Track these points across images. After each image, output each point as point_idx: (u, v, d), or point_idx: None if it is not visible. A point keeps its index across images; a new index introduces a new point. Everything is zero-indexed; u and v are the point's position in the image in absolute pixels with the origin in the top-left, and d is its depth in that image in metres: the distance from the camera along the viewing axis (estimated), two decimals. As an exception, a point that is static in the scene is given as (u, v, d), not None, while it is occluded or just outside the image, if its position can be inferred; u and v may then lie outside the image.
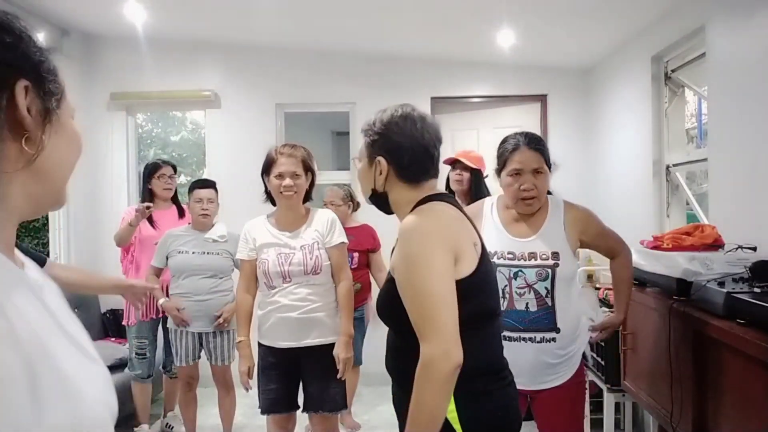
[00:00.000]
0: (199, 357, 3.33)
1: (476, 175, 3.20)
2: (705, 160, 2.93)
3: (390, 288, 1.41)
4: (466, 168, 3.18)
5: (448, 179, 3.29)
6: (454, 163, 3.21)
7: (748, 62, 2.50)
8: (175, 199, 3.76)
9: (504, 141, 2.13)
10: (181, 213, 3.69)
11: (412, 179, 1.48)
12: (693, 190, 3.61)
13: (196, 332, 3.25)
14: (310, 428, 2.97)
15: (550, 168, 2.10)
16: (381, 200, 1.52)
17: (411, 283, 1.33)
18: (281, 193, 2.41)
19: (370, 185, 1.51)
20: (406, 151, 1.46)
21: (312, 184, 2.52)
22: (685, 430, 2.04)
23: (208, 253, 3.24)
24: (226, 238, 3.30)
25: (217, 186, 3.43)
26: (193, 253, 3.24)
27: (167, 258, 3.24)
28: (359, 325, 3.63)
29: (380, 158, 1.47)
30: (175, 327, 3.24)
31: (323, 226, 2.48)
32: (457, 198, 3.19)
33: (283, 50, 4.64)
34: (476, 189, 3.18)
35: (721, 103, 2.74)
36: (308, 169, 2.48)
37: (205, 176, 4.73)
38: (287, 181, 2.39)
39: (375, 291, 3.55)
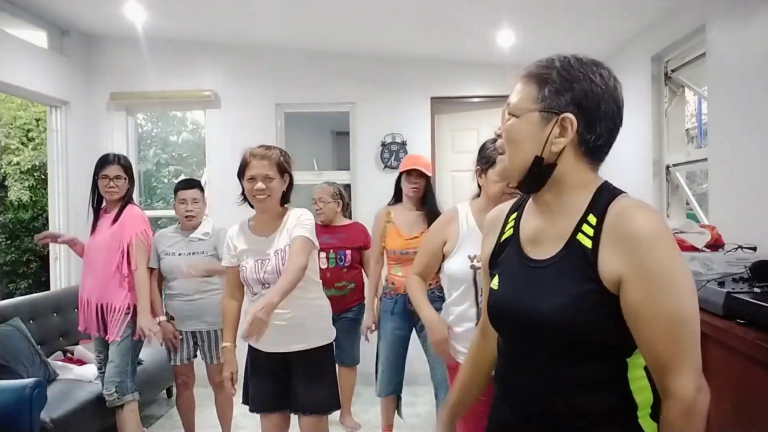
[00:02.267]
0: (195, 356, 3.33)
1: (428, 181, 3.30)
2: (705, 160, 2.93)
3: (597, 302, 1.04)
4: (422, 175, 3.25)
5: (397, 186, 3.35)
6: (410, 170, 3.25)
7: (748, 62, 2.50)
8: (123, 203, 3.11)
9: (494, 141, 2.12)
10: (117, 218, 3.05)
11: (598, 155, 1.14)
12: (693, 190, 3.61)
13: (189, 331, 3.25)
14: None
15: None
16: (541, 175, 1.10)
17: (664, 307, 0.99)
18: (254, 196, 2.38)
19: (535, 150, 1.09)
20: (605, 114, 1.09)
21: (290, 186, 2.47)
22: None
23: (193, 253, 3.23)
24: (210, 234, 3.28)
25: (215, 187, 3.42)
26: (179, 254, 3.22)
27: (159, 259, 3.24)
28: (354, 325, 3.63)
29: (569, 115, 1.07)
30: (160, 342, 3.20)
31: (292, 224, 2.41)
32: (411, 204, 3.29)
33: (283, 50, 4.64)
34: (429, 195, 3.29)
35: (721, 103, 2.74)
36: (284, 171, 2.42)
37: (205, 176, 4.74)
38: (258, 185, 2.35)
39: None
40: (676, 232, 2.42)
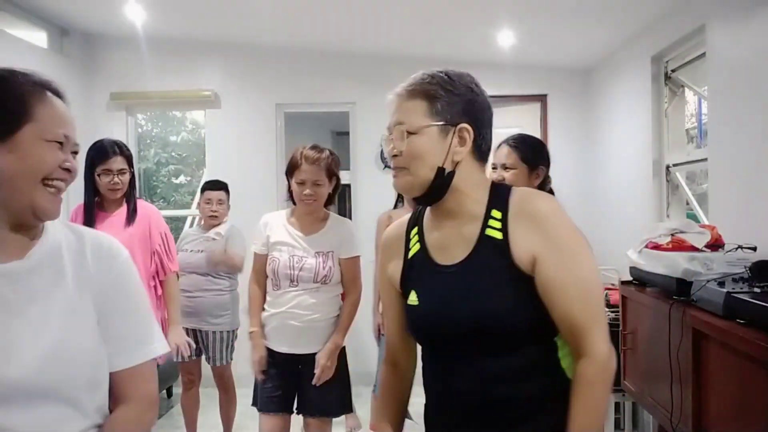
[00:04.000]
0: (200, 353, 3.33)
1: None
2: (705, 160, 2.93)
3: (519, 288, 1.11)
4: None
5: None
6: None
7: (748, 62, 2.50)
8: (129, 197, 2.68)
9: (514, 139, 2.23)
10: (131, 218, 2.63)
11: (486, 157, 1.22)
12: (693, 190, 3.61)
13: (189, 329, 3.22)
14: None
15: (533, 167, 2.14)
16: (443, 185, 1.16)
17: (574, 273, 1.09)
18: (300, 200, 2.38)
19: (437, 161, 1.14)
20: (488, 121, 1.20)
21: (336, 189, 2.47)
22: (685, 430, 2.04)
23: (201, 251, 3.27)
24: (222, 235, 3.31)
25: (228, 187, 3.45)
26: (191, 251, 3.28)
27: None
28: None
29: (465, 125, 1.15)
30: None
31: (340, 236, 2.42)
32: (410, 205, 3.26)
33: (283, 50, 4.64)
34: None
35: (721, 103, 2.74)
36: (332, 174, 2.41)
37: (204, 176, 4.74)
38: (307, 190, 2.34)
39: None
40: (676, 232, 2.42)
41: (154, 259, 2.66)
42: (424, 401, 1.33)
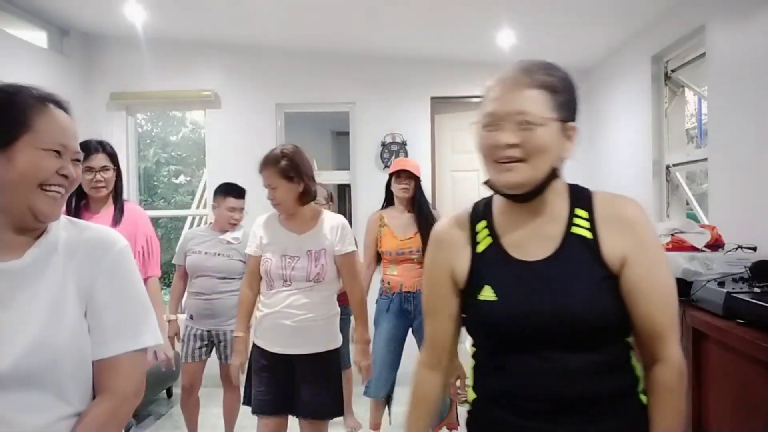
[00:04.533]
0: (209, 356, 3.34)
1: (418, 182, 3.32)
2: (705, 160, 2.93)
3: (608, 287, 1.12)
4: (411, 176, 3.26)
5: (388, 188, 3.36)
6: (398, 172, 3.27)
7: (748, 62, 2.50)
8: (116, 198, 2.62)
9: None
10: (118, 219, 2.55)
11: None
12: (693, 190, 3.61)
13: (205, 330, 3.27)
14: None
15: None
16: (548, 183, 1.14)
17: (660, 279, 1.12)
18: (272, 205, 2.42)
19: (555, 157, 1.13)
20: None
21: (306, 190, 2.39)
22: (684, 430, 2.04)
23: (219, 254, 3.28)
24: (239, 240, 3.33)
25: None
26: (206, 253, 3.29)
27: (186, 256, 3.33)
28: (345, 325, 3.62)
29: (574, 124, 1.14)
30: (186, 324, 3.31)
31: (333, 233, 2.41)
32: (402, 206, 3.32)
33: (283, 50, 4.64)
34: (419, 196, 3.31)
35: (721, 103, 2.74)
36: (289, 177, 2.35)
37: (204, 176, 4.74)
38: (270, 193, 2.38)
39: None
40: (676, 232, 2.42)
41: (136, 261, 2.62)
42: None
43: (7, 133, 1.04)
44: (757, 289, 1.83)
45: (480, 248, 1.20)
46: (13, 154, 1.03)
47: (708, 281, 1.96)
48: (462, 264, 1.21)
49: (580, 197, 1.18)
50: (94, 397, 1.11)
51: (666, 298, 1.12)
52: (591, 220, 1.15)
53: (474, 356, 1.25)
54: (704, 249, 2.32)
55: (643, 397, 1.17)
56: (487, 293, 1.16)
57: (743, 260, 2.07)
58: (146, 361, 1.20)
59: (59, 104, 1.13)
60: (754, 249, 2.19)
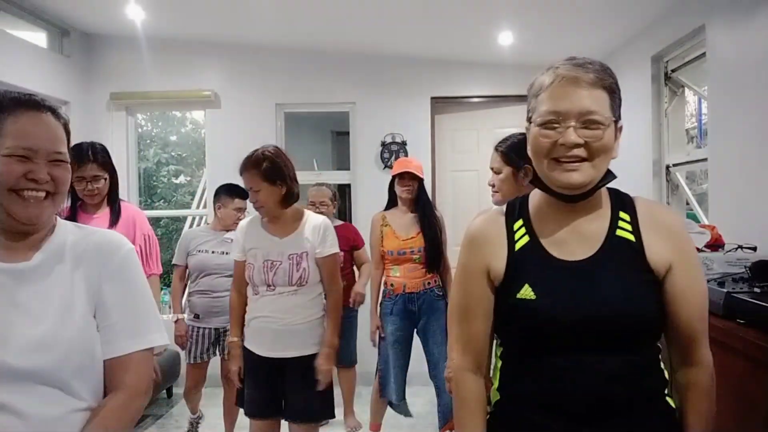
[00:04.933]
0: (214, 354, 3.35)
1: (421, 183, 3.32)
2: (705, 160, 2.93)
3: (650, 290, 1.13)
4: (414, 177, 3.27)
5: (391, 188, 3.36)
6: (402, 173, 3.28)
7: (748, 62, 2.50)
8: (112, 200, 2.63)
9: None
10: (115, 220, 2.58)
11: None
12: (693, 190, 3.61)
13: (212, 328, 3.29)
14: None
15: (518, 167, 2.03)
16: (603, 180, 1.15)
17: (700, 286, 1.17)
18: (254, 207, 2.41)
19: (612, 157, 1.13)
20: None
21: (289, 191, 2.37)
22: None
23: (225, 253, 3.31)
24: None
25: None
26: (212, 252, 3.33)
27: (187, 256, 3.34)
28: (348, 325, 3.63)
29: (621, 123, 1.15)
30: (191, 324, 3.32)
31: (314, 235, 2.39)
32: (405, 206, 3.32)
33: (283, 50, 4.64)
34: (422, 197, 3.31)
35: (721, 103, 2.74)
36: (270, 180, 2.32)
37: (204, 176, 4.75)
38: (252, 196, 2.38)
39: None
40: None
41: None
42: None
43: None
44: (757, 289, 1.83)
45: (518, 246, 1.18)
46: None
47: (708, 281, 1.96)
48: (499, 262, 1.18)
49: (623, 200, 1.19)
50: (105, 395, 1.15)
51: (704, 305, 1.17)
52: (634, 223, 1.15)
53: (502, 357, 1.23)
54: (704, 249, 2.32)
55: (670, 400, 1.17)
56: (526, 292, 1.14)
57: (743, 260, 2.07)
58: (152, 359, 1.23)
59: (38, 107, 1.12)
60: (754, 249, 2.19)
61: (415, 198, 3.30)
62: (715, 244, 2.35)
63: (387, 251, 3.29)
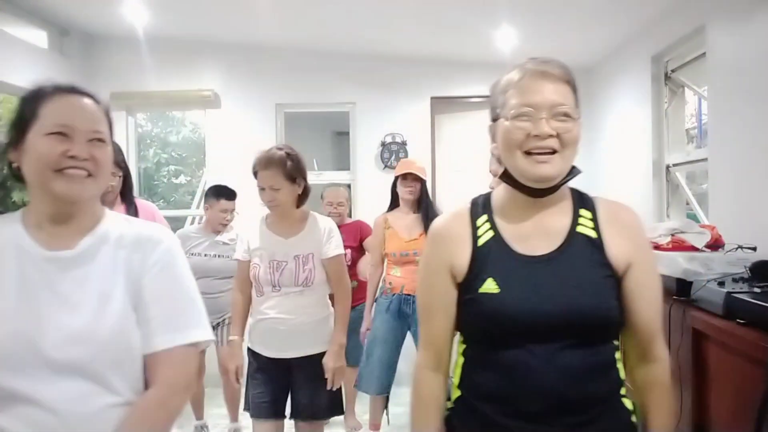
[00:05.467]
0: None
1: (424, 184, 3.32)
2: (705, 160, 2.93)
3: (610, 286, 1.15)
4: (417, 179, 3.26)
5: (394, 189, 3.36)
6: (405, 174, 3.27)
7: (748, 62, 2.50)
8: (126, 198, 2.66)
9: None
10: (133, 215, 2.48)
11: None
12: (693, 190, 3.61)
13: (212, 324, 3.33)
14: None
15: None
16: (569, 175, 1.18)
17: (656, 284, 1.20)
18: (264, 206, 2.39)
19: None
20: None
21: (305, 191, 2.40)
22: (685, 430, 2.04)
23: (219, 255, 3.37)
24: (235, 240, 3.38)
25: (207, 186, 3.55)
26: (206, 255, 3.38)
27: None
28: (357, 325, 3.63)
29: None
30: None
31: (320, 236, 2.39)
32: (407, 207, 3.31)
33: (283, 50, 4.63)
34: (425, 198, 3.31)
35: (721, 103, 2.74)
36: (292, 178, 2.33)
37: (204, 176, 4.75)
38: (266, 195, 2.33)
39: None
40: (676, 232, 2.42)
41: None
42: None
43: (20, 129, 1.09)
44: (757, 289, 1.82)
45: (481, 242, 1.19)
46: (26, 146, 1.08)
47: (708, 281, 1.96)
48: (462, 258, 1.19)
49: (584, 199, 1.22)
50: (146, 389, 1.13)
51: (659, 301, 1.20)
52: (594, 220, 1.18)
53: (463, 353, 1.23)
54: (704, 249, 2.32)
55: (626, 401, 1.18)
56: (490, 286, 1.14)
57: (743, 260, 2.07)
58: (197, 355, 1.19)
59: (76, 91, 1.15)
60: (754, 249, 2.19)
61: (418, 199, 3.30)
62: (715, 244, 2.35)
63: (390, 253, 3.30)
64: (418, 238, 3.23)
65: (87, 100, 1.14)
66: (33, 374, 1.03)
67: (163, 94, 4.69)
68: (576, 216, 1.18)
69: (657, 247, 2.41)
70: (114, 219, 1.19)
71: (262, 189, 2.35)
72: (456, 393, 1.23)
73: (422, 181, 3.29)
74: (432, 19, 3.78)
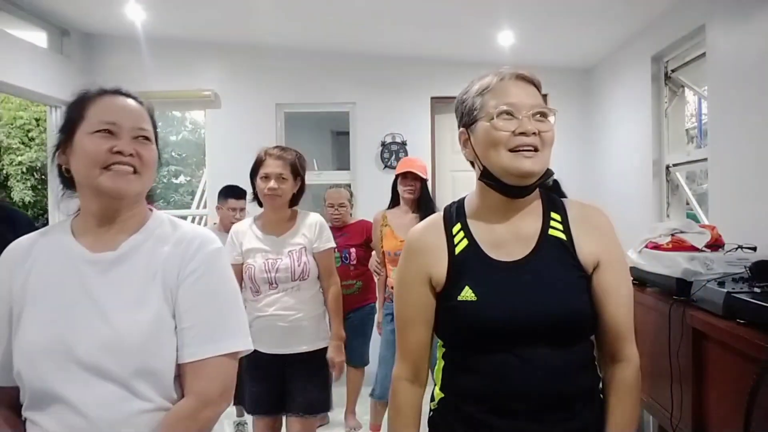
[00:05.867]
0: None
1: (424, 184, 3.30)
2: (705, 160, 2.93)
3: (583, 286, 1.17)
4: (417, 178, 3.25)
5: (394, 189, 3.35)
6: (405, 173, 3.26)
7: (748, 62, 2.50)
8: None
9: None
10: None
11: None
12: (693, 190, 3.61)
13: None
14: None
15: None
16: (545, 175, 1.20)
17: (625, 283, 1.21)
18: (265, 195, 2.38)
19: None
20: None
21: (301, 190, 2.47)
22: (685, 430, 2.04)
23: None
24: None
25: (215, 187, 3.52)
26: None
27: None
28: (363, 325, 3.63)
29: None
30: None
31: (311, 231, 2.44)
32: (407, 206, 3.29)
33: (283, 50, 4.64)
34: (425, 197, 3.30)
35: (721, 103, 2.74)
36: (297, 173, 2.42)
37: (204, 176, 4.75)
38: (271, 183, 2.35)
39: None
40: (676, 232, 2.42)
41: None
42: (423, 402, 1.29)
43: (68, 131, 1.13)
44: (757, 289, 1.82)
45: (458, 250, 1.21)
46: (74, 147, 1.11)
47: (708, 281, 1.96)
48: (440, 268, 1.21)
49: (554, 201, 1.24)
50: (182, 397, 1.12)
51: (629, 301, 1.20)
52: (564, 222, 1.20)
53: (444, 357, 1.25)
54: (704, 249, 2.32)
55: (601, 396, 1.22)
56: (467, 293, 1.17)
57: (743, 260, 2.07)
58: (234, 365, 1.16)
59: (120, 93, 1.17)
60: (754, 249, 2.19)
61: (418, 199, 3.30)
62: (715, 244, 2.34)
63: (386, 251, 3.29)
64: None
65: (131, 101, 1.17)
66: (68, 378, 1.05)
67: (163, 94, 4.68)
68: (547, 219, 1.20)
69: (657, 247, 2.41)
70: (160, 220, 1.19)
71: (265, 178, 2.37)
72: (439, 395, 1.25)
73: (422, 181, 3.29)
74: (432, 20, 3.78)
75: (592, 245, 1.18)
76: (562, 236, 1.18)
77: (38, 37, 4.18)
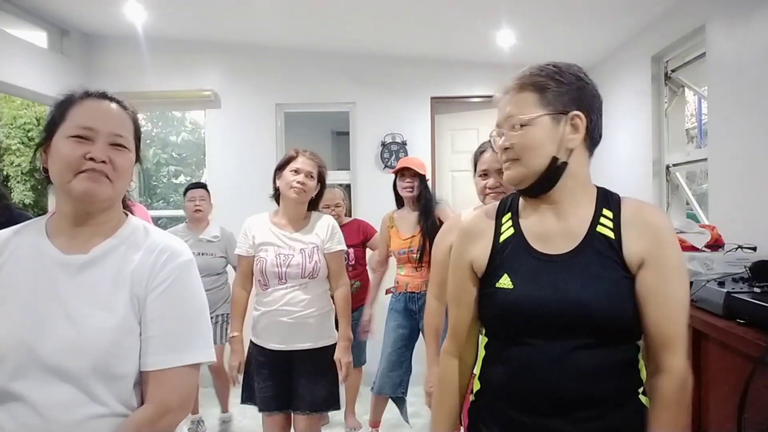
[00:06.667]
0: None
1: (423, 181, 3.29)
2: (705, 160, 2.93)
3: (627, 286, 1.13)
4: (415, 175, 3.24)
5: (395, 190, 3.35)
6: (402, 171, 3.26)
7: (748, 62, 2.50)
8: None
9: (479, 147, 2.14)
10: None
11: (596, 145, 1.26)
12: (693, 190, 3.61)
13: None
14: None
15: None
16: (558, 173, 1.17)
17: (674, 289, 1.12)
18: (291, 187, 2.43)
19: (552, 150, 1.16)
20: (598, 109, 1.25)
21: (319, 195, 2.57)
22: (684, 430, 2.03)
23: (203, 254, 3.39)
24: (219, 237, 3.49)
25: (215, 186, 3.59)
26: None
27: None
28: (356, 326, 3.63)
29: (577, 112, 1.18)
30: None
31: (323, 232, 2.50)
32: (410, 206, 3.29)
33: (283, 50, 4.64)
34: (424, 193, 3.29)
35: (721, 103, 2.74)
36: (321, 178, 2.53)
37: (205, 176, 4.75)
38: (301, 177, 2.44)
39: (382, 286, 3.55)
40: (676, 232, 2.42)
41: None
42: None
43: (48, 131, 1.14)
44: (757, 289, 1.82)
45: (502, 238, 1.23)
46: (52, 148, 1.12)
47: (708, 281, 1.96)
48: (482, 253, 1.24)
49: (609, 199, 1.22)
50: (142, 403, 1.12)
51: (677, 309, 1.12)
52: (616, 221, 1.17)
53: (485, 347, 1.27)
54: (704, 249, 2.32)
55: (643, 398, 1.17)
56: (505, 281, 1.18)
57: (743, 260, 2.07)
58: (196, 376, 1.17)
59: (104, 97, 1.18)
60: (754, 249, 2.19)
61: (418, 196, 3.29)
62: (715, 244, 2.35)
63: (393, 251, 3.33)
64: (415, 235, 3.22)
65: (114, 105, 1.16)
66: (28, 377, 1.05)
67: (163, 94, 4.68)
68: (597, 216, 1.18)
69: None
70: (135, 226, 1.19)
71: (296, 172, 2.45)
72: (477, 386, 1.28)
73: (421, 177, 3.28)
74: (432, 20, 3.78)
75: (639, 245, 1.14)
76: (610, 234, 1.16)
77: (38, 37, 4.18)
